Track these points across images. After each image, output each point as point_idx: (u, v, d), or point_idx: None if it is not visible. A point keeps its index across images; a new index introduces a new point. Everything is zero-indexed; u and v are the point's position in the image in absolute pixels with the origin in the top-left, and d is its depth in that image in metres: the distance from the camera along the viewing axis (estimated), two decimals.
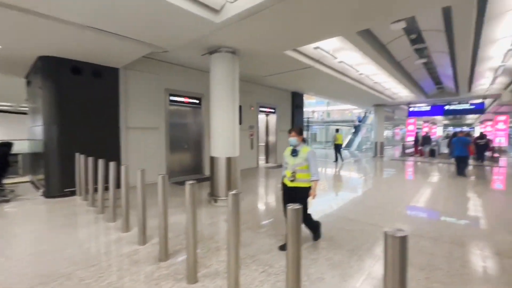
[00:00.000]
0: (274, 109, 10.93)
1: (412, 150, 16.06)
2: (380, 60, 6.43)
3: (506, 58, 6.33)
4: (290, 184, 2.91)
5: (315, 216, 3.23)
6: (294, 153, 2.93)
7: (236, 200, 1.89)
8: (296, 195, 2.87)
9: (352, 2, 3.27)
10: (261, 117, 11.20)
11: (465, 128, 39.60)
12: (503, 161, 12.24)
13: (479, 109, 10.86)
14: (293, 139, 2.95)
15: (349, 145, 23.39)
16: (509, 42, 5.47)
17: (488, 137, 12.48)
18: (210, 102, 5.04)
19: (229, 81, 4.90)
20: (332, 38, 4.99)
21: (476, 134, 26.94)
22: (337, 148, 11.82)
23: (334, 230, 3.53)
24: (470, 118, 27.60)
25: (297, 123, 12.08)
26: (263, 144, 11.40)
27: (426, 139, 17.09)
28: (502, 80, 8.69)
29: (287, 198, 2.98)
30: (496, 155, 12.27)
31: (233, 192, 1.90)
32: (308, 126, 33.81)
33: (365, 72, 8.07)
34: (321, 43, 5.38)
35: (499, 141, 16.64)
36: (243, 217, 3.97)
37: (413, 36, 5.45)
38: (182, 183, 6.65)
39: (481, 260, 2.76)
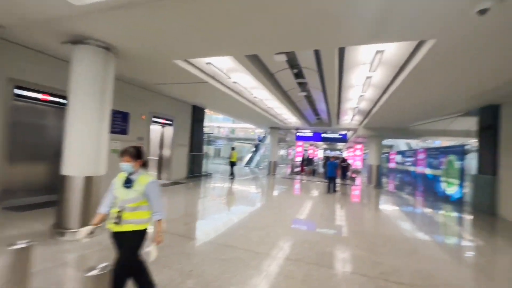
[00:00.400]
0: (171, 120, 10.10)
1: (299, 169, 18.85)
2: (270, 87, 6.96)
3: (359, 102, 8.14)
4: (115, 229, 2.05)
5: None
6: (128, 183, 2.09)
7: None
8: (124, 243, 2.07)
9: (235, 28, 3.25)
10: (155, 128, 10.12)
11: (337, 152, 49.91)
12: (358, 180, 15.74)
13: (343, 138, 13.69)
14: (127, 165, 2.10)
15: (249, 162, 24.72)
16: (360, 89, 7.03)
17: (348, 161, 15.75)
18: (68, 103, 3.91)
19: (98, 81, 3.96)
20: (225, 57, 4.96)
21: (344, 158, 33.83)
22: (232, 164, 12.22)
23: (207, 262, 3.18)
24: (340, 144, 34.84)
25: (196, 138, 11.61)
26: (156, 158, 10.24)
27: (309, 160, 20.34)
28: (358, 118, 11.22)
29: (118, 247, 2.13)
30: (353, 175, 15.63)
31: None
32: (209, 141, 33.84)
33: (259, 96, 8.62)
34: (214, 60, 5.27)
35: (357, 164, 21.46)
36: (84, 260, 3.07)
37: (295, 71, 6.22)
38: (29, 207, 4.89)
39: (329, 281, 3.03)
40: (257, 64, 5.35)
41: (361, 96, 7.43)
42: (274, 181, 12.80)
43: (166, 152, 10.29)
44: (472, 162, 10.12)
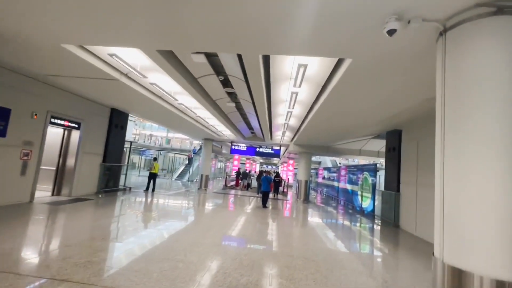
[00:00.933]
0: (78, 123, 8.38)
1: (234, 182, 18.63)
2: (196, 95, 6.38)
3: (288, 118, 8.30)
4: None
5: None
6: None
7: None
8: None
9: (135, 13, 2.63)
10: (56, 131, 8.22)
11: (273, 167, 51.91)
12: (289, 194, 16.24)
13: (276, 153, 14.00)
14: None
15: (181, 175, 23.09)
16: (287, 105, 7.11)
17: (281, 176, 16.13)
18: None
19: None
20: (137, 51, 4.19)
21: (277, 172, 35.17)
22: (153, 176, 11.51)
23: None
24: (276, 159, 36.23)
25: (113, 146, 9.98)
26: (53, 168, 8.24)
27: (245, 174, 20.22)
28: (289, 135, 11.58)
29: None
30: (285, 190, 16.05)
31: None
32: (140, 151, 30.68)
33: (186, 103, 7.96)
34: (121, 52, 4.43)
35: (289, 179, 22.35)
36: None
37: (221, 78, 5.84)
38: None
39: None
40: (176, 65, 4.72)
41: (290, 112, 7.57)
42: (204, 196, 11.96)
43: (70, 161, 8.42)
44: (381, 179, 11.56)
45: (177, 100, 7.33)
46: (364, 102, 5.69)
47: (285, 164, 36.47)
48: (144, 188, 11.51)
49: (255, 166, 47.45)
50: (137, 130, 37.91)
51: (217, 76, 5.70)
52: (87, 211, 6.64)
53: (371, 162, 12.87)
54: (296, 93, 5.92)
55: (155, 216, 6.87)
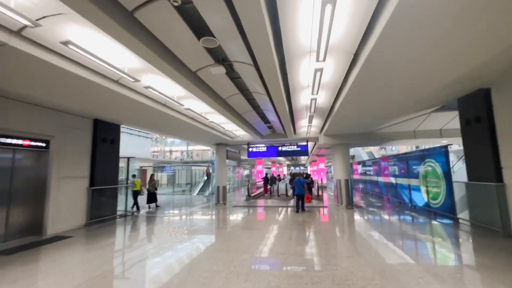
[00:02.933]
0: (45, 141, 6.61)
1: (261, 190, 16.59)
2: (201, 95, 4.29)
3: (315, 89, 5.78)
4: None
5: None
6: None
7: None
8: None
9: None
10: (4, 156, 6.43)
11: (302, 168, 48.67)
12: (325, 197, 13.46)
13: (304, 150, 11.42)
14: None
15: (203, 189, 21.30)
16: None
17: (312, 177, 13.47)
18: None
19: None
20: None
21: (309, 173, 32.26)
22: (136, 194, 10.19)
23: None
24: (303, 159, 33.26)
25: (103, 165, 8.17)
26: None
27: (273, 179, 18.32)
28: (316, 123, 8.99)
29: None
30: (320, 193, 13.30)
31: None
32: (160, 167, 29.55)
33: (193, 107, 5.96)
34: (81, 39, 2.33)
35: (322, 179, 19.47)
36: None
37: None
38: None
39: None
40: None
41: (314, 95, 5.10)
42: (222, 213, 9.71)
43: (38, 191, 6.64)
44: (459, 166, 8.51)
45: (182, 105, 5.29)
46: (432, 51, 3.18)
47: (314, 163, 33.35)
48: (132, 206, 10.14)
49: (282, 169, 44.70)
50: (157, 147, 37.41)
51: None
52: (42, 262, 4.63)
53: (437, 146, 9.74)
54: (321, 71, 3.46)
55: (147, 252, 4.68)
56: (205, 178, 21.03)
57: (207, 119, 7.66)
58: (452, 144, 7.30)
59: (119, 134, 9.25)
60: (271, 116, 8.37)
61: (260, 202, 13.11)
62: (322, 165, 21.07)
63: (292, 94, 5.84)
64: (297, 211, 9.03)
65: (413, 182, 9.67)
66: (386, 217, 8.43)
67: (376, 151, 27.71)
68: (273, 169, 34.83)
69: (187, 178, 35.27)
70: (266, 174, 23.01)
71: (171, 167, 26.49)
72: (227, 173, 12.53)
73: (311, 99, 5.72)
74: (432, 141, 11.01)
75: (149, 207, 10.95)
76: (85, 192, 7.60)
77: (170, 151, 36.12)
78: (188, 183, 33.00)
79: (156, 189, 11.26)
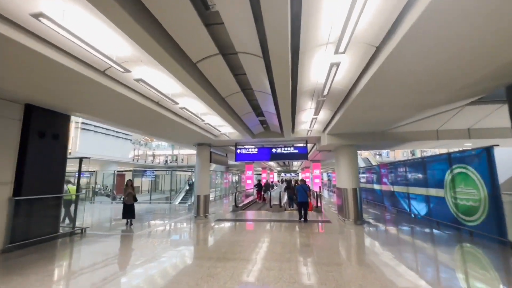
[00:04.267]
0: None
1: (251, 199, 15.46)
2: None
3: (332, 76, 3.98)
4: None
5: None
6: None
7: None
8: None
9: None
10: None
11: (292, 175, 46.91)
12: (323, 208, 11.62)
13: (303, 153, 9.58)
14: None
15: (186, 198, 19.08)
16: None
17: (307, 183, 11.69)
18: None
19: None
20: None
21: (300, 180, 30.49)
22: (67, 204, 7.92)
23: None
24: (295, 165, 31.50)
25: (40, 166, 6.02)
26: None
27: (267, 186, 17.91)
28: (323, 117, 7.19)
29: None
30: (319, 203, 11.46)
31: None
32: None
33: (161, 86, 3.96)
34: None
35: (320, 188, 17.73)
36: None
37: None
38: None
39: None
40: None
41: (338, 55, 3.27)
42: (199, 231, 7.68)
43: None
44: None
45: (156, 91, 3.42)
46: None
47: (307, 170, 31.63)
48: (63, 219, 7.57)
49: (272, 176, 42.78)
50: (140, 150, 34.80)
51: None
52: None
53: (472, 148, 8.03)
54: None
55: None
56: (187, 188, 18.86)
57: (177, 104, 5.66)
58: (498, 145, 5.63)
59: (68, 127, 7.14)
60: (267, 107, 6.50)
61: (250, 214, 11.11)
62: (317, 172, 19.30)
63: (300, 69, 4.06)
64: (300, 219, 8.71)
65: (434, 192, 7.98)
66: (408, 237, 6.63)
67: (372, 157, 26.33)
68: (264, 175, 32.88)
69: (172, 184, 32.65)
70: (259, 180, 21.56)
71: (152, 172, 24.04)
72: (210, 179, 10.50)
73: (332, 65, 3.73)
74: (455, 143, 9.44)
75: (127, 223, 8.32)
76: (4, 204, 5.42)
77: (153, 155, 33.56)
78: (172, 189, 30.44)
79: (135, 199, 8.39)
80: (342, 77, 4.34)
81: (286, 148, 9.74)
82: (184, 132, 7.98)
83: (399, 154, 30.20)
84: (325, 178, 29.50)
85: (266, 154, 9.84)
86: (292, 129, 8.31)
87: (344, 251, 5.48)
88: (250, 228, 8.09)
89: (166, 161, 34.44)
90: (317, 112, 5.62)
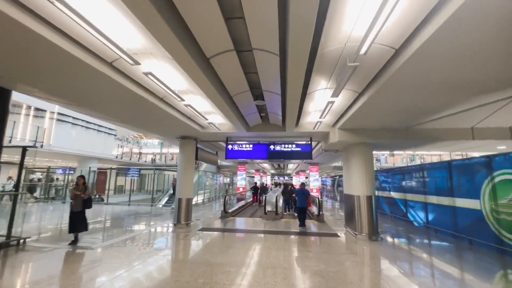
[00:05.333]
0: None
1: (241, 203, 14.32)
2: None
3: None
4: None
5: None
6: None
7: None
8: None
9: None
10: None
11: (286, 178, 45.34)
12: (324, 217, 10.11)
13: (306, 152, 8.05)
14: None
15: (171, 200, 17.28)
16: None
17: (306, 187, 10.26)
18: None
19: None
20: None
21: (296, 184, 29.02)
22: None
23: None
24: (290, 168, 30.00)
25: None
26: None
27: (264, 189, 17.48)
28: (337, 107, 5.68)
29: None
30: (321, 212, 9.93)
31: None
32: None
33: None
34: None
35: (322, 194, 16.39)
36: None
37: None
38: None
39: None
40: None
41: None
42: (174, 249, 6.07)
43: None
44: None
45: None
46: None
47: (302, 173, 30.18)
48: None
49: (266, 179, 41.14)
50: (127, 148, 32.75)
51: None
52: None
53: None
54: None
55: None
56: (171, 191, 17.10)
57: (148, 76, 4.07)
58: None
59: (6, 106, 5.40)
60: (269, 84, 4.95)
61: (240, 222, 9.49)
62: (316, 175, 17.82)
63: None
64: (300, 225, 8.28)
65: (463, 203, 6.57)
66: (442, 262, 5.16)
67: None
68: (257, 177, 31.28)
69: (158, 185, 30.61)
70: (255, 183, 20.95)
71: (137, 170, 22.00)
72: (198, 180, 8.90)
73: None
74: (489, 145, 8.10)
75: (74, 239, 5.87)
76: None
77: (140, 153, 31.56)
78: (159, 190, 28.41)
79: (87, 205, 5.97)
80: (391, 26, 2.83)
81: (286, 146, 8.19)
82: (161, 118, 6.31)
83: (398, 160, 29.18)
84: (329, 183, 27.85)
85: (262, 151, 8.27)
86: (297, 120, 6.78)
87: (373, 284, 3.93)
88: (239, 243, 6.48)
89: (154, 159, 32.45)
90: (337, 91, 4.10)
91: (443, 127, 6.58)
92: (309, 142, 8.08)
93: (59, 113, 18.41)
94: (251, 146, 8.32)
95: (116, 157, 25.22)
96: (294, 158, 8.17)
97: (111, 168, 19.05)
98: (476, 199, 6.24)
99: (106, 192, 18.00)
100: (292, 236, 7.05)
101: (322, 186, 26.79)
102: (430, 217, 8.22)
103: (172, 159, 33.03)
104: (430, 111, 5.25)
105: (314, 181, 17.88)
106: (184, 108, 5.91)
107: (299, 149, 8.13)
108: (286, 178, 45.23)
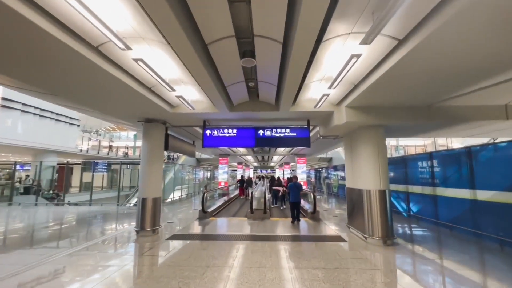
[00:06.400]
0: None
1: (224, 199, 13.05)
2: None
3: None
4: None
5: None
6: None
7: None
8: None
9: None
10: None
11: (268, 171, 44.14)
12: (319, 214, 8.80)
13: (303, 137, 6.56)
14: None
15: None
16: None
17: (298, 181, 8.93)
18: None
19: None
20: None
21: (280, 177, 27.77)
22: None
23: None
24: (274, 160, 28.66)
25: None
26: None
27: (249, 182, 17.48)
28: (354, 74, 4.19)
29: None
30: (315, 207, 8.60)
31: None
32: (94, 166, 21.89)
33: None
34: None
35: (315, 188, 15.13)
36: None
37: None
38: None
39: None
40: None
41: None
42: (130, 272, 4.36)
43: None
44: None
45: None
46: None
47: (286, 166, 29.01)
48: None
49: (249, 172, 39.64)
50: (96, 141, 29.57)
51: None
52: None
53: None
54: None
55: None
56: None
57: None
58: None
59: None
60: (265, 26, 3.31)
61: (222, 224, 7.87)
62: (303, 167, 16.59)
63: None
64: (293, 222, 7.79)
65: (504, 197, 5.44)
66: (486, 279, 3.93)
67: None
68: (240, 171, 29.69)
69: (132, 180, 27.91)
70: (242, 176, 20.52)
71: (104, 165, 19.42)
72: (161, 174, 7.12)
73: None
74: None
75: None
76: None
77: (110, 146, 28.65)
78: (133, 186, 25.78)
79: None
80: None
81: (279, 131, 6.64)
82: (104, 86, 4.45)
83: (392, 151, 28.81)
84: (312, 175, 26.82)
85: (248, 138, 6.65)
86: (295, 96, 5.22)
87: None
88: (219, 258, 4.88)
89: (127, 153, 29.68)
90: (375, 32, 2.56)
91: (473, 104, 5.35)
92: (306, 126, 6.58)
93: (4, 98, 15.45)
94: (234, 131, 6.66)
95: (81, 150, 22.35)
96: (289, 145, 6.65)
97: (67, 163, 16.48)
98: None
99: (63, 190, 15.52)
100: (288, 243, 5.59)
101: (308, 179, 25.82)
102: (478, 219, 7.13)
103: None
104: (468, 77, 3.90)
105: (301, 173, 16.65)
106: (136, 68, 4.10)
107: (294, 134, 6.61)
108: (269, 171, 44.02)
